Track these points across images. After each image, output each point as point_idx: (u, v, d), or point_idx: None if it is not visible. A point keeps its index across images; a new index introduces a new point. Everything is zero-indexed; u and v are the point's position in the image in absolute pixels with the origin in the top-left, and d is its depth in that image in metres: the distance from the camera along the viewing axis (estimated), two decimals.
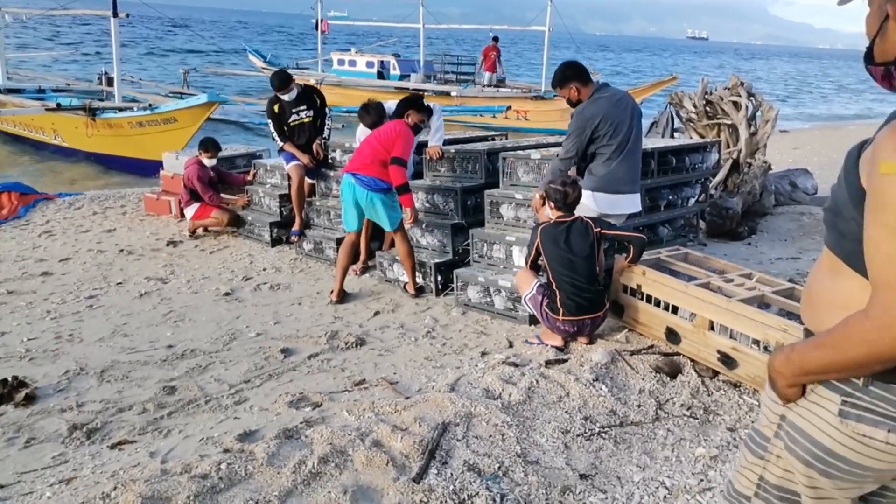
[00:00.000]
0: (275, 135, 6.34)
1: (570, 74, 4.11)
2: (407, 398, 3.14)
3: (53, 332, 4.40)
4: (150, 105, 10.72)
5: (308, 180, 6.37)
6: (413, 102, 5.12)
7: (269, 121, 6.35)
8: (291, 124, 6.25)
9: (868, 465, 1.23)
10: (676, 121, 8.11)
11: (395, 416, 2.95)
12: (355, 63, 23.18)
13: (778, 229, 6.84)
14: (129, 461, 2.70)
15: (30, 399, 3.38)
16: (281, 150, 6.37)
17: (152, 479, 2.43)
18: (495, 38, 19.97)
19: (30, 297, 5.12)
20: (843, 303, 1.22)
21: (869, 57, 1.24)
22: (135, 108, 10.58)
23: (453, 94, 17.84)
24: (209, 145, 7.02)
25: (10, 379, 3.48)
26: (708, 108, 7.51)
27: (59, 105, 10.86)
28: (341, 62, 23.63)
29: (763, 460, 1.38)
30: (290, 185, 6.31)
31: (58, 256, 6.23)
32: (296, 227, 6.38)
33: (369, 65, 22.75)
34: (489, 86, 18.91)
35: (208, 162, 6.99)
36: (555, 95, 17.22)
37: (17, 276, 5.65)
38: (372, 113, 5.27)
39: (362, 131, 5.59)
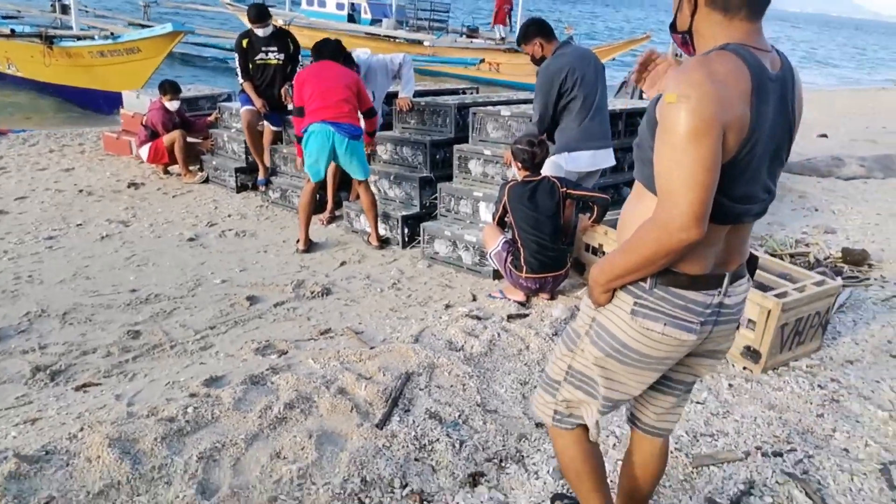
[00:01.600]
0: (238, 70, 6.06)
1: (534, 30, 4.11)
2: (371, 348, 3.23)
3: (12, 272, 4.33)
4: (111, 34, 10.27)
5: (272, 127, 6.21)
6: (349, 57, 5.04)
7: (236, 55, 6.05)
8: (257, 62, 5.95)
9: (650, 354, 1.57)
10: None
11: (360, 364, 3.03)
12: (325, 4, 22.45)
13: None
14: (95, 403, 2.73)
15: None
16: (241, 92, 6.17)
17: (119, 421, 2.48)
18: None
19: None
20: (643, 218, 1.45)
21: (673, 26, 1.54)
22: (95, 37, 10.12)
23: (426, 43, 17.49)
24: (168, 88, 6.81)
25: None
26: None
27: (13, 31, 10.31)
28: (310, 2, 22.85)
29: (572, 353, 1.71)
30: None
31: (13, 195, 6.05)
32: (261, 176, 6.28)
33: (339, 6, 22.06)
34: (502, 39, 18.19)
35: (171, 105, 6.80)
36: None
37: None
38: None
39: None
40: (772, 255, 4.57)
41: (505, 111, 4.84)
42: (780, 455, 2.61)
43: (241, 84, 6.07)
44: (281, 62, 6.02)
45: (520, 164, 3.85)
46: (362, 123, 4.92)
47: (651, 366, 1.61)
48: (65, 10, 13.46)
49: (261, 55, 5.95)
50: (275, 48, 5.98)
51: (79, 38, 10.23)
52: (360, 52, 5.46)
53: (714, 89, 1.30)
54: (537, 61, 4.13)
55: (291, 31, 6.33)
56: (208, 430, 2.50)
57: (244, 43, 5.95)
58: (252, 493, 2.22)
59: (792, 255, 4.93)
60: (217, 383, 2.85)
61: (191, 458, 2.33)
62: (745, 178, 1.41)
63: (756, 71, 1.35)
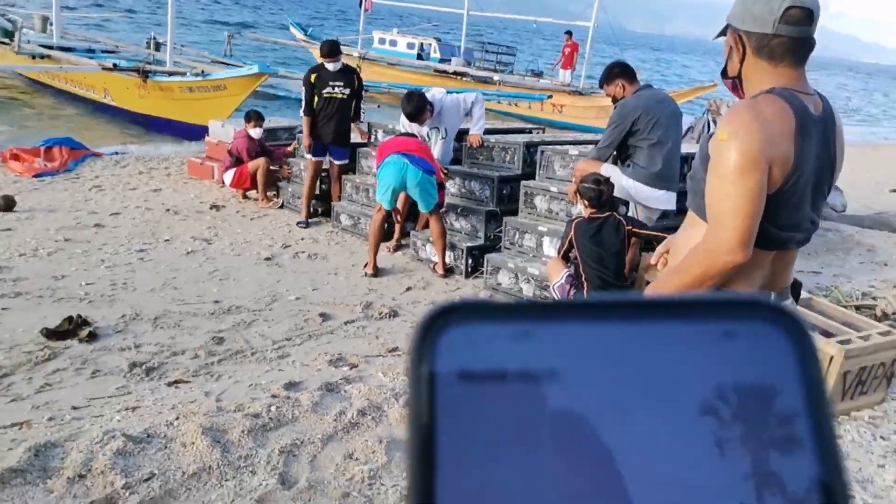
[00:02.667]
0: (303, 103, 6.33)
1: (618, 72, 4.31)
2: None
3: (108, 279, 4.72)
4: (202, 72, 11.04)
5: (337, 162, 6.49)
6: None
7: (304, 89, 6.33)
8: (325, 95, 6.21)
9: None
10: (713, 127, 8.22)
11: None
12: (396, 43, 23.32)
13: None
14: (186, 398, 2.99)
15: (92, 336, 3.69)
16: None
17: (210, 414, 2.72)
18: (568, 33, 19.34)
19: (85, 246, 5.45)
20: (693, 243, 1.59)
21: (724, 73, 1.69)
22: (187, 74, 10.90)
23: (496, 78, 17.96)
24: (253, 116, 7.31)
25: (74, 317, 3.79)
26: None
27: (115, 65, 11.21)
28: (382, 41, 23.78)
29: None
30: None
31: (108, 210, 6.57)
32: (301, 218, 6.56)
33: (410, 46, 22.88)
34: (567, 85, 18.46)
35: (254, 133, 7.28)
36: (592, 92, 17.36)
37: (72, 225, 5.99)
38: (413, 102, 5.36)
39: (405, 118, 5.76)
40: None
41: (573, 150, 5.02)
42: None
43: (302, 117, 6.39)
44: (346, 97, 6.28)
45: (586, 202, 4.01)
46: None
47: None
48: (158, 47, 14.52)
49: (328, 89, 6.22)
50: (341, 83, 6.25)
51: (171, 74, 11.04)
52: (436, 92, 5.77)
53: (760, 128, 1.47)
54: (617, 101, 4.32)
55: (362, 67, 6.74)
56: (289, 427, 2.71)
57: (312, 78, 6.24)
58: (327, 488, 2.41)
59: (858, 308, 4.87)
60: (296, 388, 3.07)
61: (273, 451, 2.54)
62: (790, 208, 1.55)
63: (799, 112, 1.51)
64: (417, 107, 5.37)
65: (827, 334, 3.33)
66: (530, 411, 0.19)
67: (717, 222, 1.49)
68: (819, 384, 0.19)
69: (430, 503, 0.19)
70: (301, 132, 8.02)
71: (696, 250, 1.55)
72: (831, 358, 3.20)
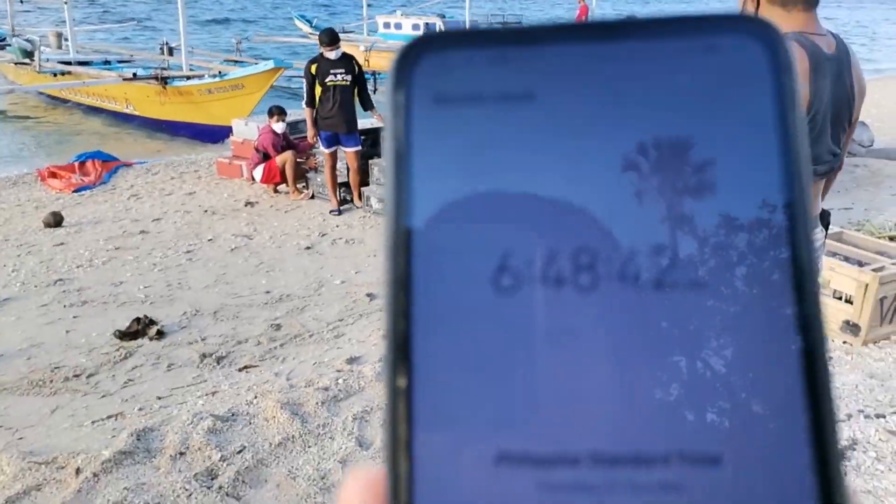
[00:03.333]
0: (305, 94, 6.45)
1: None
2: None
3: (164, 281, 4.99)
4: (219, 73, 11.25)
5: (351, 149, 6.60)
6: None
7: (305, 79, 6.44)
8: (327, 83, 6.29)
9: None
10: None
11: None
12: (400, 26, 23.29)
13: None
14: (259, 379, 3.22)
15: (160, 334, 3.94)
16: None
17: (284, 391, 2.94)
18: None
19: (135, 252, 5.73)
20: None
21: None
22: (205, 76, 11.12)
23: None
24: (275, 111, 7.49)
25: (141, 317, 4.05)
26: None
27: (135, 75, 11.47)
28: (387, 25, 23.77)
29: None
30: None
31: (149, 217, 6.84)
32: (332, 207, 6.75)
33: (415, 27, 22.81)
34: None
35: (278, 127, 7.47)
36: None
37: (118, 234, 6.28)
38: None
39: None
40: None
41: None
42: (884, 417, 2.75)
43: (304, 109, 6.54)
44: (348, 83, 6.37)
45: None
46: None
47: None
48: (171, 52, 14.77)
49: (330, 77, 6.30)
50: (342, 69, 6.34)
51: (188, 78, 11.27)
52: None
53: None
54: None
55: (355, 57, 6.79)
56: (357, 396, 2.92)
57: (313, 68, 6.35)
58: None
59: (892, 238, 4.92)
60: (357, 361, 3.29)
61: (347, 418, 2.75)
62: (810, 141, 1.69)
63: (812, 53, 1.63)
64: None
65: (861, 264, 3.43)
66: (504, 131, 0.19)
67: None
68: (791, 93, 0.19)
69: (406, 212, 0.19)
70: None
71: None
72: (866, 286, 3.31)
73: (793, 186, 0.19)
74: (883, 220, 5.39)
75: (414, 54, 0.21)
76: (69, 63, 13.61)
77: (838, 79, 1.69)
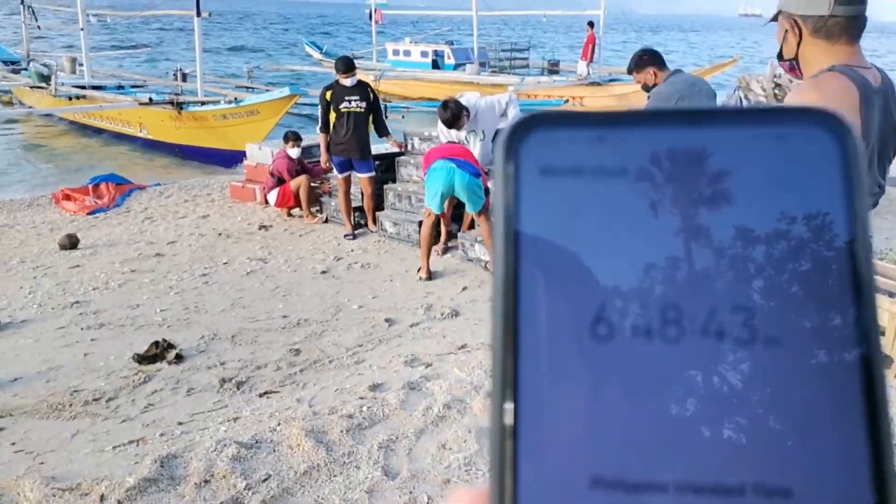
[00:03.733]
0: (319, 120, 6.54)
1: (648, 59, 4.40)
2: None
3: (180, 304, 4.97)
4: (234, 98, 11.38)
5: (365, 175, 6.62)
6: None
7: (320, 106, 6.51)
8: (342, 110, 6.37)
9: None
10: (745, 103, 8.24)
11: None
12: (409, 53, 23.59)
13: None
14: (281, 405, 3.19)
15: (179, 358, 3.92)
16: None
17: (307, 418, 2.91)
18: (590, 24, 19.36)
19: (151, 276, 5.72)
20: None
21: (780, 55, 1.79)
22: (220, 102, 11.25)
23: (510, 88, 18.09)
24: (291, 136, 7.55)
25: (160, 341, 4.03)
26: (777, 92, 7.63)
27: (150, 100, 11.60)
28: (396, 52, 24.08)
29: None
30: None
31: (164, 240, 6.86)
32: (346, 231, 6.78)
33: (423, 54, 23.13)
34: (585, 77, 18.55)
35: (293, 152, 7.52)
36: (609, 81, 17.39)
37: (134, 257, 6.29)
38: (450, 110, 5.56)
39: (443, 126, 5.92)
40: None
41: None
42: None
43: (319, 134, 6.60)
44: (362, 110, 6.45)
45: None
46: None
47: None
48: (184, 78, 14.96)
49: (344, 103, 6.39)
50: (357, 96, 6.43)
51: (203, 103, 11.40)
52: (470, 96, 5.93)
53: (829, 105, 1.59)
54: (648, 89, 4.42)
55: (371, 85, 6.88)
56: (382, 424, 2.89)
57: (328, 95, 6.43)
58: (428, 476, 2.57)
59: None
60: (380, 388, 3.25)
61: (372, 446, 2.71)
62: None
63: (861, 86, 1.62)
64: (454, 114, 5.54)
65: (891, 295, 3.40)
66: (602, 198, 0.22)
67: None
68: (857, 177, 0.23)
69: (515, 266, 0.22)
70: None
71: None
72: (891, 316, 3.28)
73: (861, 261, 0.22)
74: None
75: (522, 131, 0.24)
76: (84, 87, 13.80)
77: (885, 112, 1.69)
